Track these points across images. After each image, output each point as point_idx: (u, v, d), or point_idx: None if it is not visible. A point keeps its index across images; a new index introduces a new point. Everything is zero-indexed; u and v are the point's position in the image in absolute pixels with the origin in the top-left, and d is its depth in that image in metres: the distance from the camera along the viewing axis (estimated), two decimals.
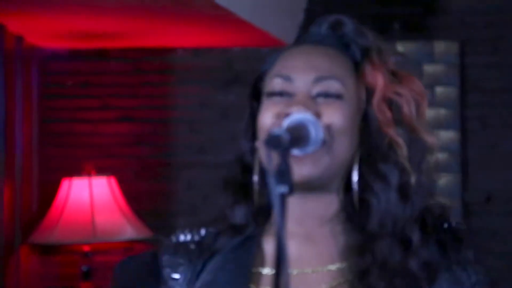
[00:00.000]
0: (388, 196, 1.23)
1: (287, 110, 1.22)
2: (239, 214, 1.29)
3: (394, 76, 1.28)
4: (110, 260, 3.50)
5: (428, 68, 3.95)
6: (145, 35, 3.65)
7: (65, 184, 3.50)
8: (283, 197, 1.02)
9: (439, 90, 3.96)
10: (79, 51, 3.93)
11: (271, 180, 1.02)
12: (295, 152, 1.19)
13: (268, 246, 1.28)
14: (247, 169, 1.30)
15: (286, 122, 1.21)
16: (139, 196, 3.86)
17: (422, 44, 3.94)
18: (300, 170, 1.21)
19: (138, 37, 3.69)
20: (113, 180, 3.54)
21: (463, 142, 3.97)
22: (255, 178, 1.28)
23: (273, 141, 1.07)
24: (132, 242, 3.50)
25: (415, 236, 1.22)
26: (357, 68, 1.28)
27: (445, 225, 1.26)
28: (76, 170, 3.53)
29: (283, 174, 1.03)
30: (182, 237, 1.32)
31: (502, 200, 3.96)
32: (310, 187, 1.25)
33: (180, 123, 4.01)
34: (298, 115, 1.21)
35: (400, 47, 3.91)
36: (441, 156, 3.95)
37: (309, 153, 1.21)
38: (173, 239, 1.33)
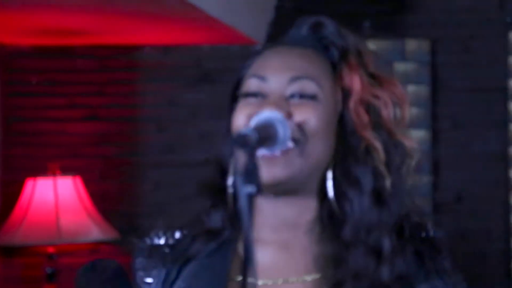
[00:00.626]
0: (362, 202, 1.21)
1: (259, 110, 1.21)
2: (215, 218, 1.27)
3: (374, 79, 1.26)
4: (75, 262, 3.45)
5: (399, 67, 3.94)
6: (112, 32, 3.61)
7: (29, 184, 3.46)
8: (250, 197, 1.00)
9: (410, 88, 3.95)
10: (44, 48, 3.88)
11: (238, 180, 1.00)
12: (263, 151, 1.17)
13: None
14: (226, 172, 1.28)
15: (253, 121, 1.19)
16: (105, 196, 3.81)
17: (393, 43, 3.94)
18: (272, 171, 1.18)
19: (105, 34, 3.65)
20: (78, 180, 3.50)
21: (434, 141, 3.97)
22: (230, 180, 1.26)
23: (240, 140, 1.05)
24: (98, 243, 3.46)
25: (389, 245, 1.20)
26: (335, 70, 1.26)
27: (423, 234, 1.23)
28: (41, 170, 3.49)
29: (250, 173, 1.01)
30: (156, 240, 1.30)
31: (473, 200, 3.96)
32: (283, 189, 1.22)
33: (148, 122, 3.97)
34: (266, 113, 1.19)
35: (371, 45, 3.89)
36: None
37: (280, 154, 1.19)
38: (148, 241, 1.30)
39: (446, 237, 1.24)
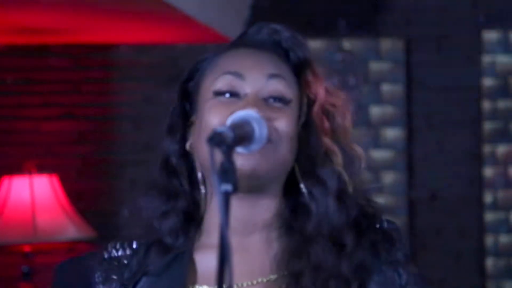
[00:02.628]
0: (327, 201, 1.25)
1: (237, 110, 1.21)
2: (167, 226, 1.27)
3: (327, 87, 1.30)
4: (51, 260, 3.44)
5: (374, 66, 3.97)
6: (87, 30, 3.60)
7: (5, 182, 3.44)
8: (226, 196, 1.00)
9: (385, 87, 3.98)
10: (19, 47, 3.86)
11: (215, 179, 1.00)
12: (239, 150, 1.17)
13: (201, 262, 1.27)
14: (174, 173, 1.28)
15: (230, 120, 1.19)
16: (81, 195, 3.80)
17: (368, 42, 3.96)
18: (248, 163, 1.20)
19: (80, 32, 3.64)
20: (55, 179, 3.49)
21: (409, 139, 3.99)
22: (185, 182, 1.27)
23: (217, 139, 1.05)
24: (74, 242, 3.45)
25: (350, 240, 1.23)
26: (296, 76, 1.29)
27: (377, 226, 1.27)
28: (17, 169, 3.47)
29: (227, 172, 1.01)
30: (114, 252, 1.30)
31: (447, 197, 3.99)
32: (255, 183, 1.23)
33: (125, 121, 3.97)
34: (243, 112, 1.20)
35: (346, 44, 3.92)
36: (387, 154, 3.97)
37: (255, 150, 1.20)
38: (105, 254, 1.31)
39: (400, 229, 1.27)
